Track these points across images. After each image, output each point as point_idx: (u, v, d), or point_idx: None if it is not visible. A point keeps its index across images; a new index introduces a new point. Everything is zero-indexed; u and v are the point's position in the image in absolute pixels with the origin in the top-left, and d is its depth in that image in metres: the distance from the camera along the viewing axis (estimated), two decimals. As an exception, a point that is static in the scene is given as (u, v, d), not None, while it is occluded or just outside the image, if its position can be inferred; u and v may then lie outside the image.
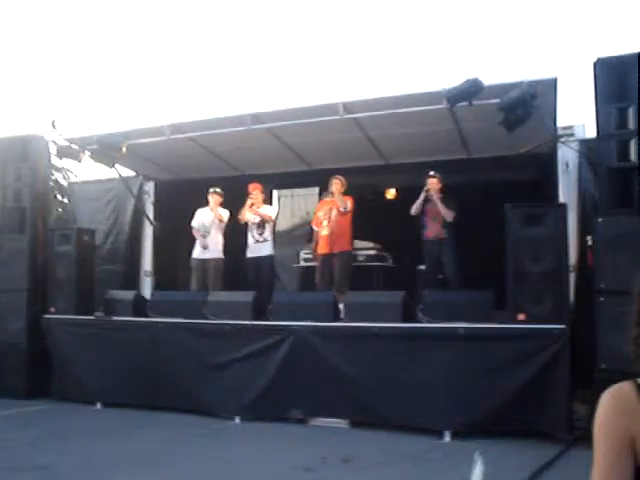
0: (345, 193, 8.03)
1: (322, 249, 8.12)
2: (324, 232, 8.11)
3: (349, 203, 7.95)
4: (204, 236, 8.61)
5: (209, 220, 8.62)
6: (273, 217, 8.78)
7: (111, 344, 7.31)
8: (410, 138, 7.78)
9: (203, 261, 8.58)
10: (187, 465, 4.94)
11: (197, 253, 8.65)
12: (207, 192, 8.69)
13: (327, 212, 8.14)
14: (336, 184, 7.94)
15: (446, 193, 7.57)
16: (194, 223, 8.73)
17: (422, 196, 7.62)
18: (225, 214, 8.71)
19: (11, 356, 7.72)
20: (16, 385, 7.59)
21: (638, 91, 5.31)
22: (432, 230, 7.59)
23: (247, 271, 8.57)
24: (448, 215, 7.47)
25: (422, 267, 7.91)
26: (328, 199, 8.26)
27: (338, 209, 7.95)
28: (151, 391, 6.93)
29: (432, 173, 7.62)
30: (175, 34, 27.71)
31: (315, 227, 8.45)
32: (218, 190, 8.69)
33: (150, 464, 4.98)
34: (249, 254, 8.60)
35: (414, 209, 7.71)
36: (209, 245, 8.60)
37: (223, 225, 8.74)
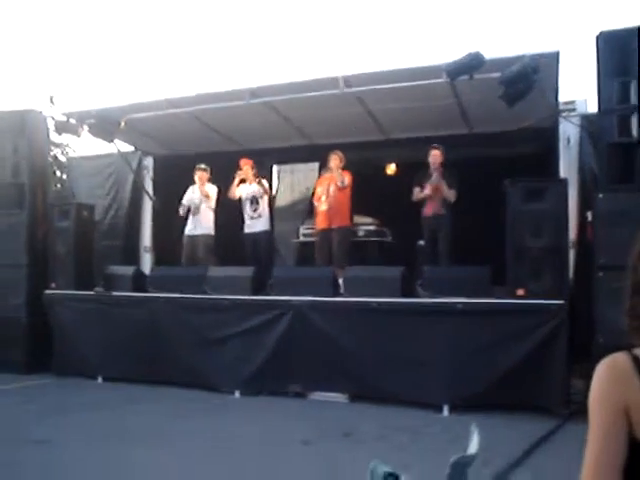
0: (344, 168, 7.99)
1: (321, 224, 8.11)
2: (322, 207, 8.09)
3: (347, 178, 7.91)
4: (194, 213, 8.60)
5: (198, 197, 8.61)
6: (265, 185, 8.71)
7: (111, 319, 7.34)
8: (410, 112, 7.71)
9: (193, 237, 8.58)
10: (187, 439, 4.98)
11: (188, 229, 8.65)
12: (190, 170, 8.66)
13: (326, 187, 8.11)
14: (334, 159, 7.90)
15: (447, 168, 7.50)
16: (184, 200, 8.72)
17: (425, 191, 7.53)
18: (212, 190, 8.68)
19: (11, 331, 7.75)
20: (16, 359, 7.64)
21: (639, 66, 5.26)
22: (431, 206, 7.53)
23: (245, 247, 8.57)
24: (451, 195, 7.40)
25: (421, 242, 7.89)
26: (327, 175, 8.23)
27: (336, 184, 7.91)
28: (151, 365, 6.97)
29: (435, 145, 7.53)
30: (174, 7, 27.39)
31: (315, 202, 8.42)
32: (203, 166, 8.64)
33: (150, 438, 5.02)
34: (246, 230, 8.60)
35: (416, 198, 7.62)
36: (199, 221, 8.59)
37: (212, 201, 8.71)
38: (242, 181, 8.57)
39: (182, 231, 8.78)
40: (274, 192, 8.95)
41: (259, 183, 8.56)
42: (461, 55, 6.00)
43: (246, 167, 8.52)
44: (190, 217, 8.67)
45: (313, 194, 8.63)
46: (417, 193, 7.59)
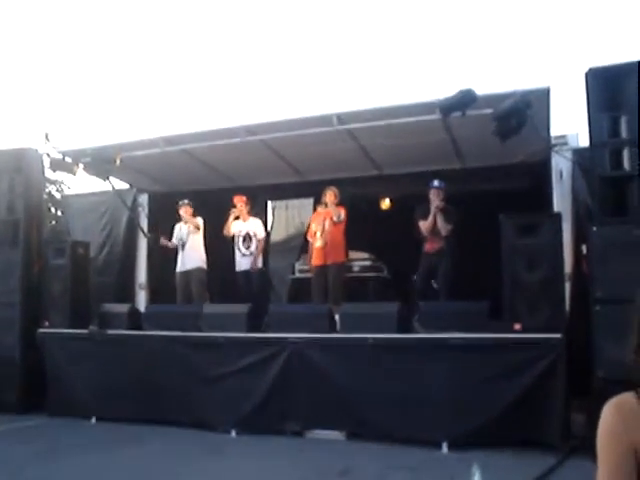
0: (339, 204, 8.03)
1: (316, 261, 8.12)
2: (318, 244, 8.11)
3: (342, 213, 7.95)
4: (182, 247, 8.61)
5: (185, 232, 8.63)
6: (259, 234, 8.74)
7: (106, 358, 7.26)
8: (404, 148, 7.78)
9: (184, 273, 8.58)
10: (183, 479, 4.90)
11: (178, 267, 8.67)
12: (177, 206, 8.72)
13: (320, 223, 8.14)
14: (330, 194, 7.95)
15: (448, 203, 7.53)
16: (174, 239, 8.74)
17: (431, 217, 7.52)
18: (200, 222, 8.71)
19: (4, 370, 7.65)
20: (10, 400, 7.52)
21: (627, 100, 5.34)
22: (432, 243, 7.52)
23: (239, 285, 8.56)
24: (444, 229, 7.40)
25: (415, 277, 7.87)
26: (321, 210, 8.26)
27: (331, 219, 7.94)
28: (146, 405, 6.88)
29: (436, 183, 7.55)
30: (167, 49, 27.78)
31: (309, 238, 8.43)
32: (186, 201, 8.73)
33: (146, 479, 4.93)
34: (238, 268, 8.61)
35: (425, 229, 7.55)
36: (187, 257, 8.57)
37: (200, 234, 8.72)
38: (236, 218, 8.60)
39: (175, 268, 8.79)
40: (269, 228, 8.95)
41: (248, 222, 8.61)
42: (453, 92, 6.08)
43: (240, 204, 8.56)
44: (180, 253, 8.68)
45: (307, 230, 8.64)
46: (425, 225, 7.56)
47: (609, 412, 1.34)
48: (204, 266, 8.67)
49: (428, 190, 7.58)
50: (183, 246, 8.65)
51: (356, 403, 6.04)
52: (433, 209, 7.44)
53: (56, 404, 7.46)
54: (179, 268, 8.66)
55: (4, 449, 6.03)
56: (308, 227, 8.52)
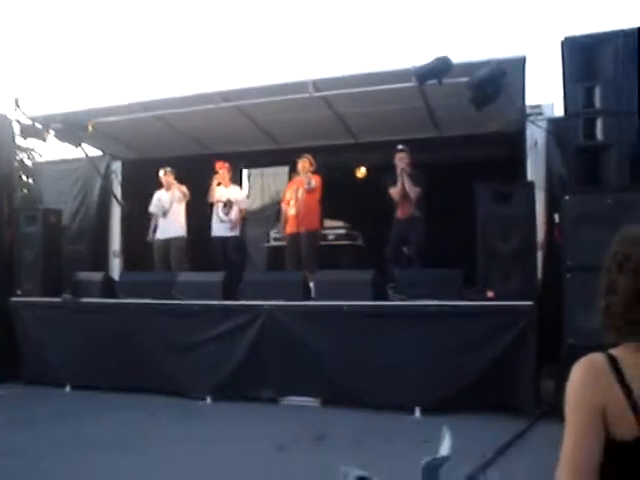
0: (315, 172, 7.99)
1: (290, 228, 8.09)
2: (291, 211, 8.08)
3: (314, 181, 7.89)
4: (164, 215, 8.51)
5: (167, 199, 8.54)
6: (240, 201, 8.66)
7: (80, 326, 7.23)
8: (380, 116, 7.75)
9: (165, 241, 8.49)
10: (159, 446, 4.93)
11: (158, 234, 8.56)
12: (158, 174, 8.61)
13: (294, 191, 8.10)
14: (303, 162, 7.89)
15: (415, 169, 7.52)
16: (152, 208, 8.65)
17: (399, 181, 7.49)
18: (184, 190, 8.62)
19: (-23, 339, 7.60)
20: (-18, 369, 7.49)
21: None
22: (404, 209, 7.51)
23: (214, 251, 8.50)
24: (412, 191, 7.32)
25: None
26: (296, 178, 8.22)
27: (304, 187, 7.90)
28: (121, 373, 6.88)
29: (400, 147, 7.52)
30: (141, 9, 27.15)
31: (283, 206, 8.40)
32: (169, 169, 8.61)
33: (121, 445, 4.95)
34: (214, 233, 8.53)
35: (395, 194, 7.49)
36: (169, 224, 8.51)
37: (183, 203, 8.63)
38: (218, 184, 8.51)
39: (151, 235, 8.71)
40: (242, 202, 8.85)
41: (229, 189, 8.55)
42: (429, 59, 6.05)
43: (222, 170, 8.48)
44: (160, 220, 8.58)
45: (282, 198, 8.60)
46: (394, 191, 7.54)
47: (578, 371, 1.36)
48: (184, 235, 8.59)
49: (393, 155, 7.55)
50: (164, 214, 8.54)
51: (330, 370, 6.10)
52: (399, 172, 7.41)
53: (30, 373, 7.43)
54: (159, 235, 8.55)
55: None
56: (283, 195, 8.48)
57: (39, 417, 6.01)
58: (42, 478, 4.22)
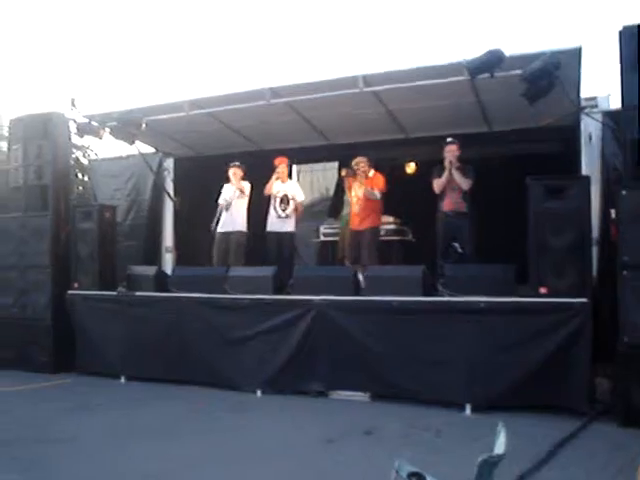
0: (375, 169, 8.11)
1: (353, 225, 8.17)
2: (355, 209, 8.13)
3: (377, 192, 7.94)
4: (226, 208, 8.61)
5: (231, 194, 8.63)
6: (297, 197, 8.70)
7: (134, 319, 7.39)
8: (430, 111, 7.70)
9: (225, 234, 8.59)
10: (209, 436, 5.01)
11: (220, 226, 8.66)
12: (227, 167, 8.70)
13: (356, 191, 8.14)
14: (359, 166, 7.96)
15: (464, 163, 7.44)
16: (220, 200, 8.74)
17: (446, 173, 7.45)
18: (246, 186, 8.70)
19: (36, 331, 7.87)
20: (42, 359, 7.76)
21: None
22: (450, 201, 7.43)
23: (268, 245, 8.57)
24: (464, 183, 7.27)
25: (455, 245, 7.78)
26: (357, 178, 8.19)
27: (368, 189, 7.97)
28: (173, 365, 7.02)
29: (450, 139, 7.46)
30: (196, 10, 27.55)
31: (349, 199, 8.47)
32: (237, 163, 8.68)
33: (171, 435, 5.06)
34: (270, 228, 8.60)
35: (438, 186, 7.51)
36: (230, 219, 8.61)
37: (245, 198, 8.72)
38: (277, 179, 8.57)
39: (203, 230, 8.82)
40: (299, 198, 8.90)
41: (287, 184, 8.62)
42: (481, 52, 5.97)
43: (282, 166, 8.55)
44: (223, 213, 8.66)
45: (337, 192, 8.57)
46: (438, 182, 7.50)
47: None
48: (245, 230, 8.70)
49: (443, 149, 7.49)
50: (227, 208, 8.66)
51: (380, 365, 6.09)
52: (447, 165, 7.35)
53: (86, 364, 7.65)
54: (220, 228, 8.66)
55: (36, 406, 6.21)
56: (349, 193, 8.48)
57: (94, 406, 6.17)
58: (97, 464, 4.32)
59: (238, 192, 8.58)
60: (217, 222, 8.60)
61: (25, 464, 4.28)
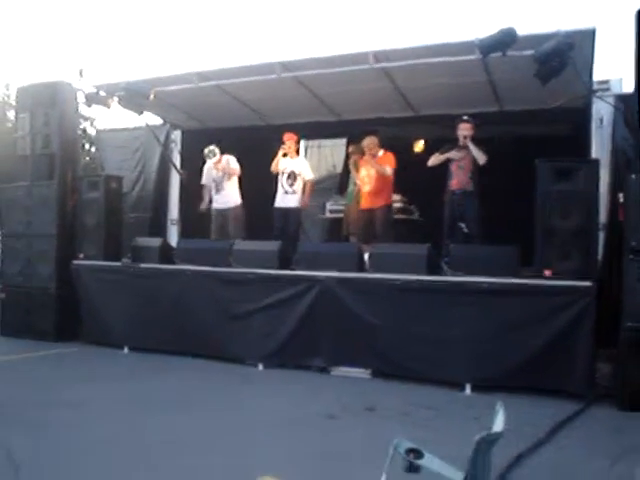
0: (384, 149, 8.08)
1: (365, 204, 8.20)
2: (366, 188, 8.13)
3: (388, 168, 7.95)
4: (218, 189, 8.67)
5: (219, 175, 8.67)
6: (304, 173, 8.68)
7: (138, 290, 7.42)
8: (440, 89, 7.63)
9: (221, 211, 8.67)
10: (210, 408, 5.06)
11: (215, 203, 8.73)
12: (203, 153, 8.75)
13: (368, 170, 8.12)
14: (369, 145, 7.95)
15: (477, 142, 7.39)
16: (204, 180, 8.80)
17: (445, 156, 7.46)
18: (232, 163, 8.75)
19: (41, 300, 7.92)
20: (46, 328, 7.82)
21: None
22: (458, 180, 7.42)
23: (274, 220, 8.59)
24: (481, 158, 7.24)
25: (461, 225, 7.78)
26: (367, 157, 8.17)
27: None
28: (177, 337, 7.06)
29: (465, 118, 7.42)
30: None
31: (357, 182, 8.48)
32: (212, 149, 8.69)
33: (174, 405, 5.11)
34: (277, 204, 8.61)
35: (432, 162, 7.53)
36: (225, 197, 8.66)
37: (234, 177, 8.79)
38: (284, 155, 8.57)
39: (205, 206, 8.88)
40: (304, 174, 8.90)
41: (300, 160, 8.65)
42: (494, 31, 5.90)
43: (289, 141, 8.53)
44: (214, 194, 8.74)
45: (345, 169, 8.52)
46: (434, 158, 7.53)
47: None
48: (239, 203, 8.75)
49: (456, 126, 7.44)
50: (218, 189, 8.71)
51: (382, 342, 6.11)
52: (462, 140, 7.32)
53: (90, 333, 7.71)
54: (215, 205, 8.72)
55: (42, 373, 6.28)
56: (358, 172, 8.45)
57: (98, 375, 6.23)
58: (100, 430, 4.36)
59: (223, 174, 8.62)
60: (210, 201, 8.72)
61: (33, 427, 4.34)
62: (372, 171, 8.06)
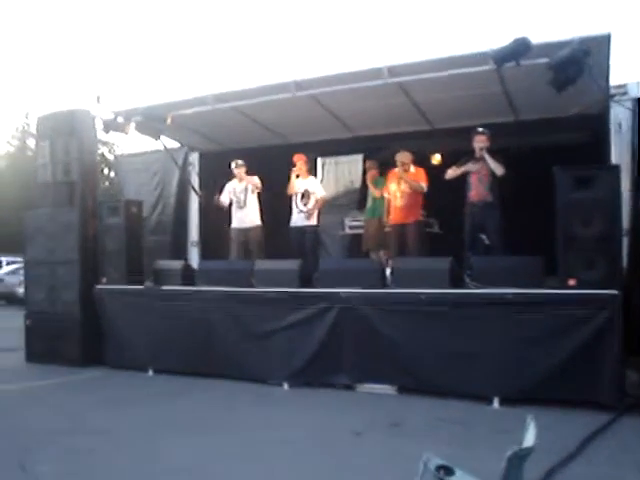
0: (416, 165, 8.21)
1: (396, 219, 8.22)
2: (398, 203, 8.13)
3: (424, 184, 8.06)
4: (240, 207, 8.73)
5: (241, 190, 8.74)
6: (317, 192, 8.74)
7: (161, 313, 7.45)
8: (456, 102, 7.63)
9: (243, 230, 8.73)
10: (236, 429, 5.04)
11: (235, 223, 8.79)
12: (230, 166, 8.84)
13: (398, 184, 8.17)
14: (403, 160, 8.04)
15: (493, 153, 7.37)
16: (224, 197, 8.84)
17: (462, 169, 7.48)
18: (257, 181, 8.82)
19: (66, 326, 7.97)
20: (71, 353, 7.86)
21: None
22: (477, 192, 7.40)
23: (290, 240, 8.62)
24: (498, 169, 7.22)
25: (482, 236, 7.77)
26: (398, 171, 8.19)
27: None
28: (200, 358, 7.06)
29: (481, 130, 7.41)
30: (217, 6, 27.63)
31: (385, 195, 8.49)
32: (240, 162, 8.84)
33: (199, 427, 5.09)
34: (293, 223, 8.68)
35: (449, 175, 7.57)
36: (247, 215, 8.71)
37: (256, 193, 8.84)
38: (296, 176, 8.67)
39: (229, 224, 8.91)
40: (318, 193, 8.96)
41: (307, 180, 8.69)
42: (507, 41, 5.89)
43: (299, 162, 8.62)
44: (236, 211, 8.80)
45: (363, 185, 8.52)
46: (451, 171, 7.56)
47: None
48: (260, 224, 8.83)
49: (472, 138, 7.42)
50: (240, 205, 8.76)
51: (407, 358, 6.06)
52: (478, 152, 7.31)
53: (115, 357, 7.74)
54: (236, 224, 8.79)
55: (67, 399, 6.29)
56: (387, 187, 8.45)
57: (124, 399, 6.24)
58: (130, 456, 4.37)
59: (251, 187, 8.68)
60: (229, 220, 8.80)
61: (60, 455, 4.35)
62: (404, 186, 8.08)
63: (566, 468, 3.90)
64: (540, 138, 8.57)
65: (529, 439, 2.14)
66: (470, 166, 7.44)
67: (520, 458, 2.01)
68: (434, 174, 9.03)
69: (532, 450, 2.08)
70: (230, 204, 8.93)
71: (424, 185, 8.04)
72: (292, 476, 3.86)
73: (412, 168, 8.15)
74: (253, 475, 3.94)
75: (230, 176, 8.94)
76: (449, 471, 2.24)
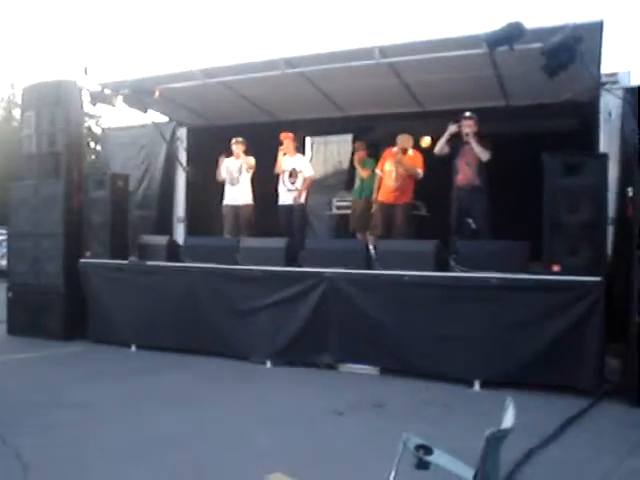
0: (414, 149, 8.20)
1: (386, 199, 8.18)
2: (390, 183, 8.11)
3: (420, 171, 8.04)
4: (233, 184, 8.67)
5: (236, 168, 8.67)
6: (305, 170, 8.68)
7: (145, 288, 7.42)
8: (447, 84, 7.59)
9: (235, 208, 8.66)
10: (218, 404, 5.06)
11: (227, 200, 8.74)
12: (230, 142, 8.71)
13: (394, 164, 8.12)
14: (403, 143, 8.05)
15: (481, 137, 7.34)
16: (223, 173, 8.77)
17: (446, 135, 7.38)
18: (252, 161, 8.74)
19: (49, 299, 7.93)
20: (54, 326, 7.83)
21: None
22: (464, 175, 7.37)
23: (279, 218, 8.59)
24: (484, 154, 7.16)
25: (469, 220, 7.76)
26: (396, 150, 8.14)
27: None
28: (184, 335, 7.05)
29: (468, 114, 7.35)
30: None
31: (378, 172, 8.40)
32: (241, 139, 8.75)
33: (182, 402, 5.12)
34: (280, 202, 8.63)
35: (438, 148, 7.50)
36: (239, 193, 8.65)
37: (251, 172, 8.77)
38: (283, 154, 8.60)
39: (215, 201, 8.86)
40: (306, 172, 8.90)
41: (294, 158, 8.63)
42: (501, 25, 5.85)
43: (287, 141, 8.55)
44: (228, 188, 8.74)
45: (380, 165, 8.45)
46: (439, 143, 7.50)
47: None
48: (252, 202, 8.79)
49: (460, 122, 7.38)
50: (233, 182, 8.71)
51: (390, 339, 6.09)
52: (464, 136, 7.27)
53: (98, 332, 7.71)
54: (228, 201, 8.74)
55: (49, 372, 6.29)
56: (381, 165, 8.38)
57: (107, 373, 6.23)
58: (112, 430, 4.37)
59: (246, 166, 8.62)
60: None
61: (41, 428, 4.34)
62: (401, 169, 8.04)
63: (545, 450, 3.95)
64: (530, 123, 8.56)
65: (507, 420, 2.15)
66: (453, 129, 7.34)
67: (498, 439, 2.02)
68: (423, 157, 9.03)
69: (510, 431, 2.09)
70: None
71: (420, 171, 8.02)
72: (272, 455, 3.87)
73: (410, 151, 8.10)
74: (235, 450, 3.95)
75: (218, 151, 8.85)
76: (428, 450, 2.25)
